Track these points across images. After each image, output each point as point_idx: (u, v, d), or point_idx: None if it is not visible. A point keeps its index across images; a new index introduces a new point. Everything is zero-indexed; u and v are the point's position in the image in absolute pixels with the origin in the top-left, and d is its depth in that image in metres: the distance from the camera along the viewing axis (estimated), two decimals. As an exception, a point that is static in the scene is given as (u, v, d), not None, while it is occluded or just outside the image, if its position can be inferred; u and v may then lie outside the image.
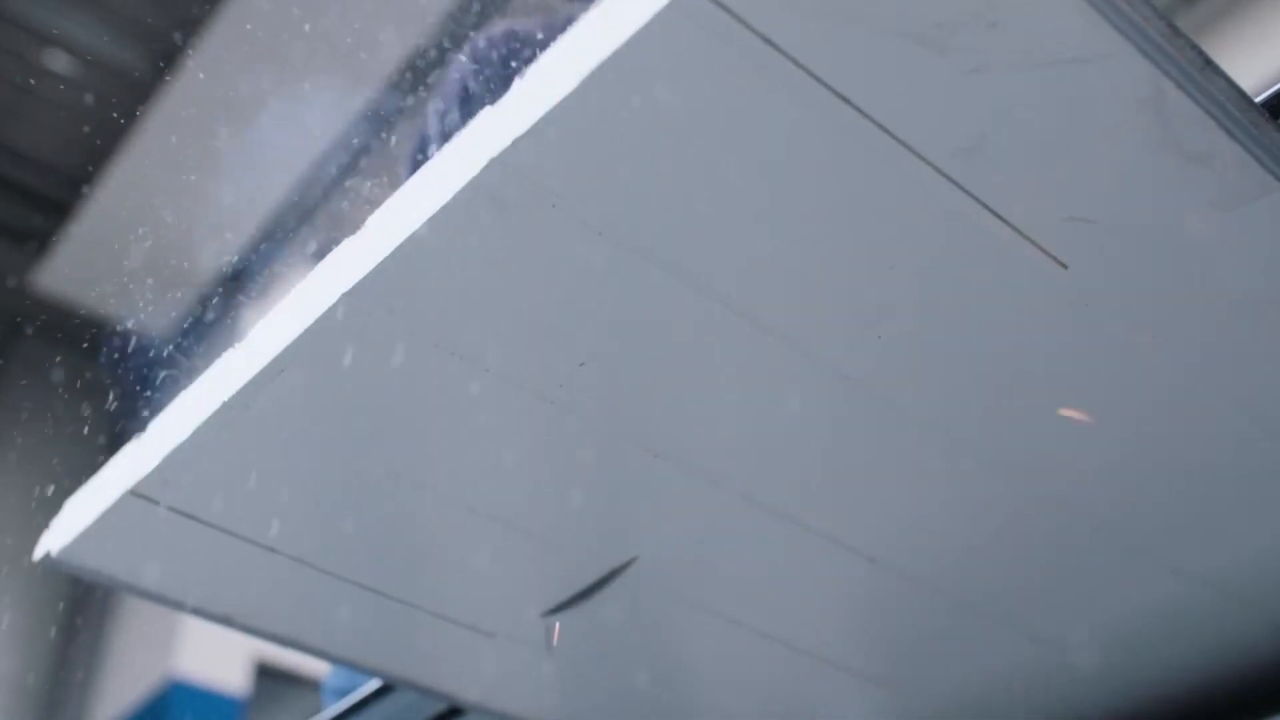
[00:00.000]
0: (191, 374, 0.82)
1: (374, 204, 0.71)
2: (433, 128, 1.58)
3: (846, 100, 0.61)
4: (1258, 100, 0.66)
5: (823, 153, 0.64)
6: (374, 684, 1.15)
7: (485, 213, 0.66)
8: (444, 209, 0.65)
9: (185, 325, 5.21)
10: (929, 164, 0.65)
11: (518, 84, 0.61)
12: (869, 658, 1.08)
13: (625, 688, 1.10)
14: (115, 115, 4.90)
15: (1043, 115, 0.63)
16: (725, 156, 0.65)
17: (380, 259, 0.68)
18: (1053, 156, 0.66)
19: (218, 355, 0.79)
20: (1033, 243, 0.70)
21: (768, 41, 0.58)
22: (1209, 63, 0.63)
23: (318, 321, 0.72)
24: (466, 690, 1.08)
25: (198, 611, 0.96)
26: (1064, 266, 0.72)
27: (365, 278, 0.69)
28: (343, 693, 1.45)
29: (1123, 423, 0.84)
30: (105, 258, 5.11)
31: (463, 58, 1.51)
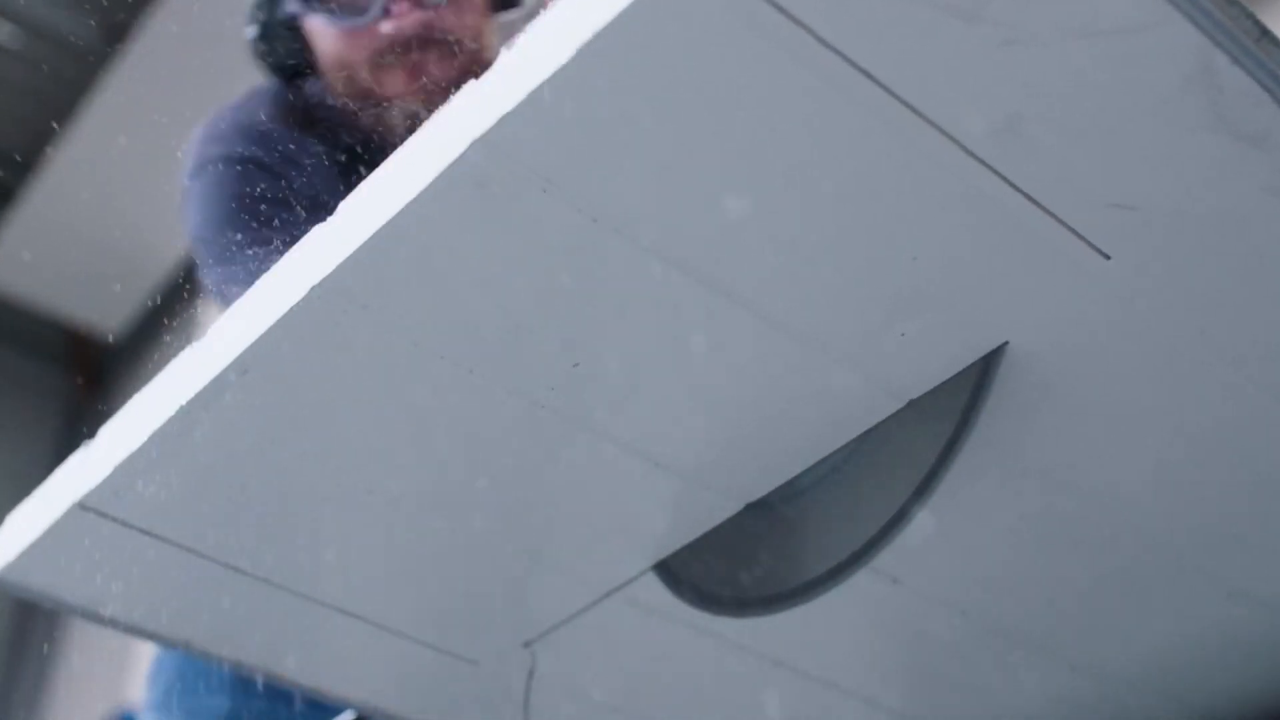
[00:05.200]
0: (147, 374, 0.82)
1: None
2: None
3: (868, 75, 0.61)
4: (1319, 75, 0.66)
5: (841, 133, 0.64)
6: (348, 715, 1.15)
7: (468, 198, 0.66)
8: (423, 194, 0.65)
9: (141, 320, 5.21)
10: (958, 145, 0.65)
11: (504, 55, 0.61)
12: (893, 689, 1.08)
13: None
14: (64, 92, 4.89)
15: (1083, 91, 0.63)
16: (733, 138, 0.65)
17: (353, 249, 0.68)
18: (1094, 137, 0.66)
19: (175, 353, 0.79)
20: (1072, 231, 0.70)
21: (780, 9, 0.58)
22: (1266, 33, 0.63)
23: (284, 318, 0.72)
24: (449, 723, 1.08)
25: (154, 637, 0.96)
26: (1106, 257, 0.72)
27: (336, 270, 0.69)
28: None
29: (1171, 428, 0.84)
30: (53, 247, 5.11)
31: None
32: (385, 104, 1.39)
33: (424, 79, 1.37)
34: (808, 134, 0.65)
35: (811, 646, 1.02)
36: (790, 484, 0.86)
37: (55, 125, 4.99)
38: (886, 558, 0.85)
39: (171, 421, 0.78)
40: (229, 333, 0.75)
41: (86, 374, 5.54)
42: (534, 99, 0.61)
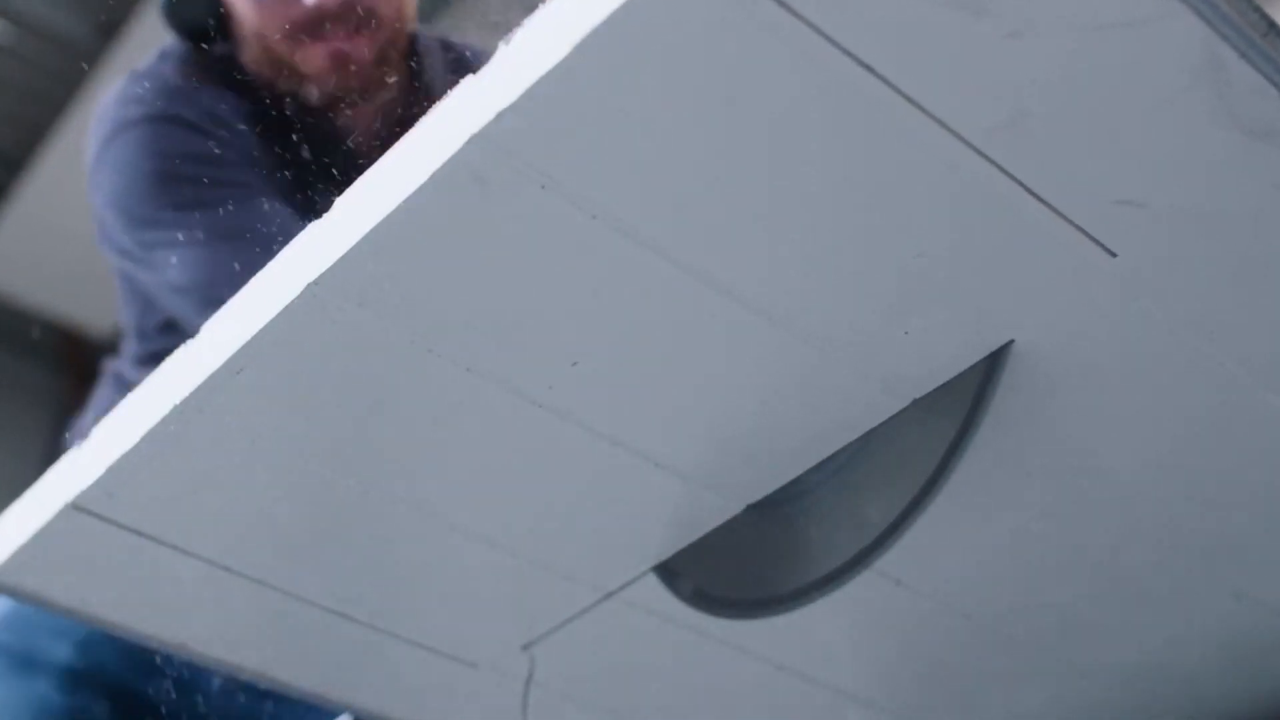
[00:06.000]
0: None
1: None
2: None
3: (870, 69, 0.61)
4: (1328, 69, 0.66)
5: (843, 128, 0.64)
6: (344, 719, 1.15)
7: (466, 194, 0.66)
8: (420, 190, 0.65)
9: (134, 320, 5.21)
10: (962, 140, 0.65)
11: (502, 50, 0.61)
12: (896, 692, 1.08)
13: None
14: (57, 89, 4.89)
15: (1089, 86, 0.63)
16: (733, 134, 0.64)
17: (349, 246, 0.68)
18: (1100, 132, 0.66)
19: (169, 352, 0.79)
20: (1077, 228, 0.70)
21: (781, 4, 0.58)
22: (1273, 26, 0.62)
23: (279, 315, 0.72)
24: (446, 727, 1.08)
25: (148, 639, 0.96)
26: (1112, 254, 0.72)
27: (332, 266, 0.69)
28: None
29: (1178, 428, 0.84)
30: (45, 245, 5.11)
31: None
32: (302, 80, 1.34)
33: (343, 57, 1.33)
34: (809, 129, 0.65)
35: (814, 649, 1.02)
36: (793, 484, 0.86)
37: (48, 123, 4.98)
38: (889, 559, 0.85)
39: (165, 422, 0.78)
40: (223, 331, 0.75)
41: (79, 374, 5.54)
42: (532, 94, 0.61)
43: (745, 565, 0.89)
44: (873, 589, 0.92)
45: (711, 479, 0.86)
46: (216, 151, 1.34)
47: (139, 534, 0.86)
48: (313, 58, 1.33)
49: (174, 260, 1.30)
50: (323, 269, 0.69)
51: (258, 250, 1.06)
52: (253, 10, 1.35)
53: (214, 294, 1.19)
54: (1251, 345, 0.78)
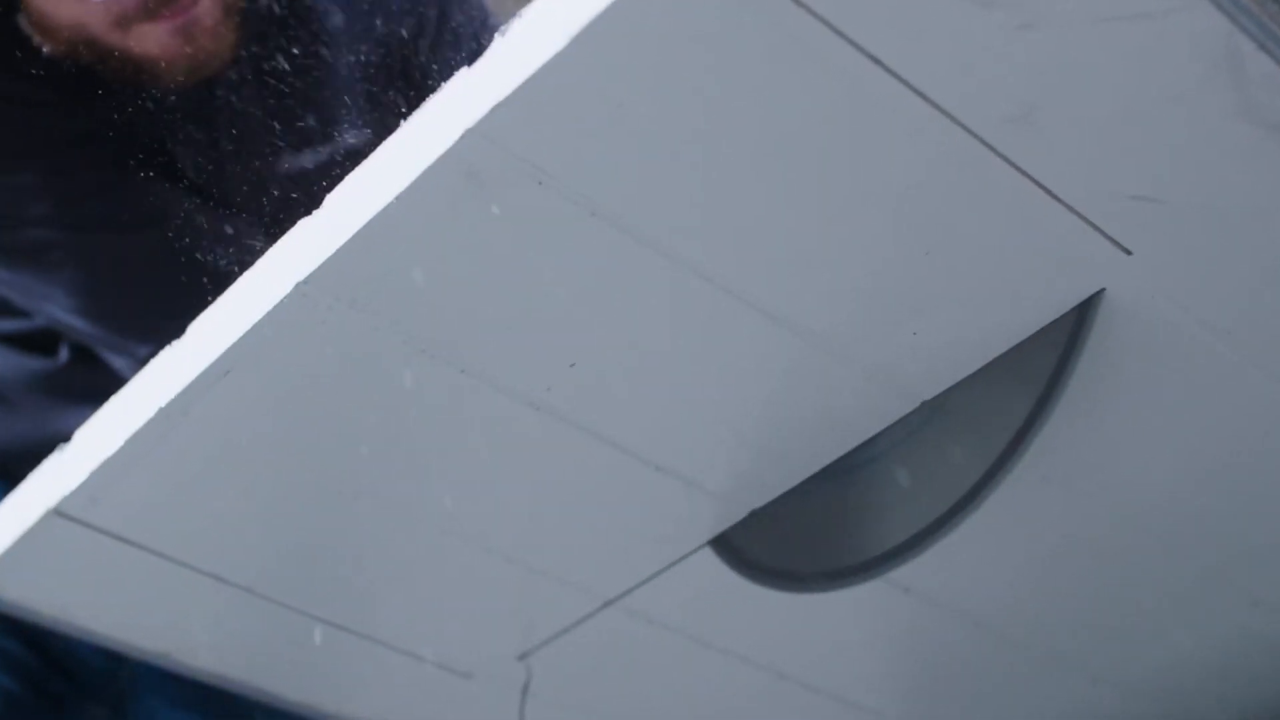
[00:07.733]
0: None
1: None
2: None
3: (877, 61, 0.61)
4: (1350, 61, 0.66)
5: (849, 122, 0.64)
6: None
7: (460, 190, 0.66)
8: (413, 186, 0.65)
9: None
10: (972, 134, 0.65)
11: (498, 42, 0.61)
12: (903, 702, 1.08)
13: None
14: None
15: (1103, 79, 0.63)
16: (736, 127, 0.64)
17: (340, 243, 0.68)
18: (1114, 126, 0.66)
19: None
20: (1091, 225, 0.70)
21: (786, -7, 0.58)
22: (1293, 18, 0.62)
23: (268, 316, 0.72)
24: (440, 739, 1.08)
25: (132, 649, 0.96)
26: (1127, 253, 0.72)
27: (323, 265, 0.69)
28: None
29: (1195, 432, 0.84)
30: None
31: None
32: (136, 68, 1.13)
33: (190, 27, 1.12)
34: (814, 123, 0.64)
35: (817, 658, 1.02)
36: (811, 480, 0.86)
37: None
38: (901, 569, 0.85)
39: (150, 424, 0.78)
40: (210, 332, 0.75)
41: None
42: (528, 87, 0.61)
43: (800, 536, 0.88)
44: (880, 595, 0.92)
45: (714, 483, 0.86)
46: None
47: (123, 540, 0.86)
48: (150, 38, 1.12)
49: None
50: (312, 268, 0.69)
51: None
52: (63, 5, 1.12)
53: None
54: (1271, 346, 0.78)
